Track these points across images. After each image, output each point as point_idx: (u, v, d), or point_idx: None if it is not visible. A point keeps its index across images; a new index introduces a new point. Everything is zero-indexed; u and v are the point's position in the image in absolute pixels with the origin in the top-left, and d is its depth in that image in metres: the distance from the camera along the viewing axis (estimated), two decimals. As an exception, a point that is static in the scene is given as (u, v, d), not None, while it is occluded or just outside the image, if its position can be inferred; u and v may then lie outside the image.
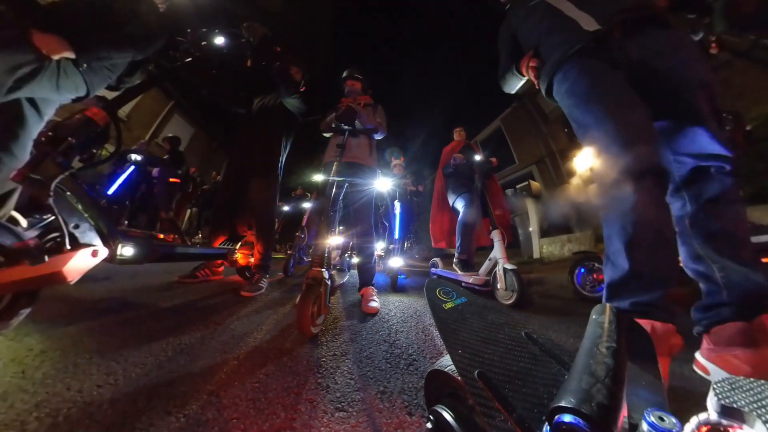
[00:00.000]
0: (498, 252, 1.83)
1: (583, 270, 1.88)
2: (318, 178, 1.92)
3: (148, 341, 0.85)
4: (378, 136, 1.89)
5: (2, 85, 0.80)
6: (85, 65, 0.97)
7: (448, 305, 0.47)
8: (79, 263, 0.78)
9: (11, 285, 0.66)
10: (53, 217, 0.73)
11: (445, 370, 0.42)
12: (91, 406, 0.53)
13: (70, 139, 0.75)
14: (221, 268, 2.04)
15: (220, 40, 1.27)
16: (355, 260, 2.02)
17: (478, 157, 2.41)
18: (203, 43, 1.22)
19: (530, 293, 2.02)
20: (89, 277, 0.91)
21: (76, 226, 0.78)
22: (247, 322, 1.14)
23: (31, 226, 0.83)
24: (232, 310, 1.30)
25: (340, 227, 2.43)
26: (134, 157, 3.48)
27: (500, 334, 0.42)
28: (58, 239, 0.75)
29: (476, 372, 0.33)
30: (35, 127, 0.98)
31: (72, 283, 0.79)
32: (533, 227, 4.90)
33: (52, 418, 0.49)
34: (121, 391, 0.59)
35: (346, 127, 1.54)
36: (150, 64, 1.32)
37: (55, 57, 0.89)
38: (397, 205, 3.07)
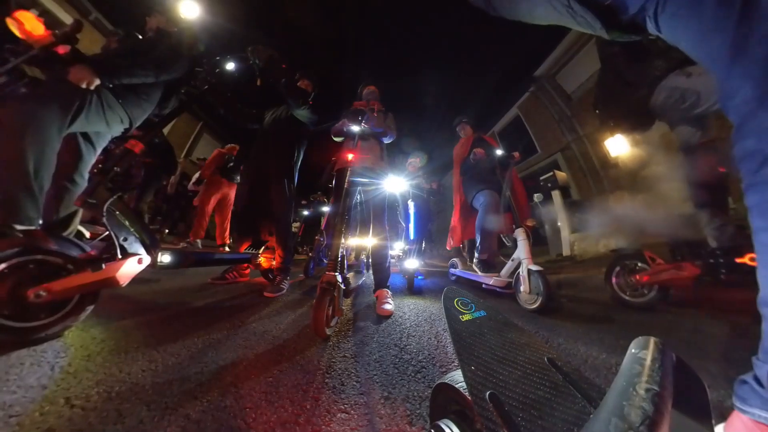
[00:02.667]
0: (522, 252, 1.73)
1: (622, 270, 1.65)
2: (332, 183, 2.01)
3: (183, 335, 0.98)
4: (387, 140, 1.94)
5: (63, 125, 0.99)
6: (110, 85, 1.14)
7: (466, 317, 0.45)
8: (128, 269, 0.94)
9: (78, 288, 0.82)
10: (107, 232, 0.89)
11: (455, 385, 0.40)
12: (136, 386, 0.65)
13: (116, 168, 0.91)
14: (247, 271, 2.23)
15: (231, 66, 1.41)
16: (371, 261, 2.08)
17: (499, 151, 2.30)
18: (217, 70, 1.37)
19: (558, 297, 1.87)
20: (137, 280, 1.07)
21: (125, 239, 0.94)
22: (267, 321, 1.24)
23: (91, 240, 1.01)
24: (256, 309, 1.42)
25: (356, 229, 2.51)
26: None
27: (519, 355, 0.38)
28: (112, 250, 0.91)
29: (488, 393, 0.31)
30: (90, 159, 1.19)
31: (124, 285, 0.94)
32: (562, 221, 4.51)
33: (108, 393, 0.61)
34: (160, 376, 0.70)
35: (353, 126, 1.59)
36: (183, 88, 1.49)
37: (86, 86, 1.05)
38: (411, 205, 3.05)
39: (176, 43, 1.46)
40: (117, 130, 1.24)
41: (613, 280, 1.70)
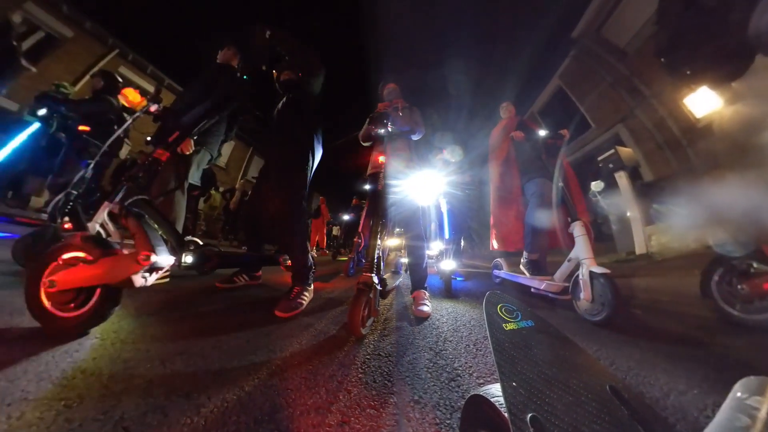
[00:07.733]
0: (582, 251, 1.47)
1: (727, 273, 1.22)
2: (366, 186, 2.07)
3: (244, 323, 1.14)
4: (416, 137, 1.91)
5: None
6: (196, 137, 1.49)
7: (510, 326, 0.40)
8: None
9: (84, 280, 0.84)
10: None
11: (491, 399, 0.36)
12: (208, 359, 0.79)
13: (140, 174, 1.08)
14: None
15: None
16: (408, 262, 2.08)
17: (542, 133, 2.04)
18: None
19: (630, 307, 1.55)
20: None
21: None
22: (312, 315, 1.35)
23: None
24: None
25: (393, 231, 2.53)
26: (40, 111, 2.11)
27: (573, 378, 0.33)
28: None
29: (529, 415, 0.27)
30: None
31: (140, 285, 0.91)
32: (632, 210, 3.62)
33: (188, 363, 0.77)
34: (225, 354, 0.84)
35: (379, 131, 1.60)
36: (241, 115, 1.74)
37: (190, 151, 1.48)
38: (443, 202, 2.83)
39: (235, 77, 1.70)
40: (204, 164, 1.60)
41: (714, 287, 1.29)
